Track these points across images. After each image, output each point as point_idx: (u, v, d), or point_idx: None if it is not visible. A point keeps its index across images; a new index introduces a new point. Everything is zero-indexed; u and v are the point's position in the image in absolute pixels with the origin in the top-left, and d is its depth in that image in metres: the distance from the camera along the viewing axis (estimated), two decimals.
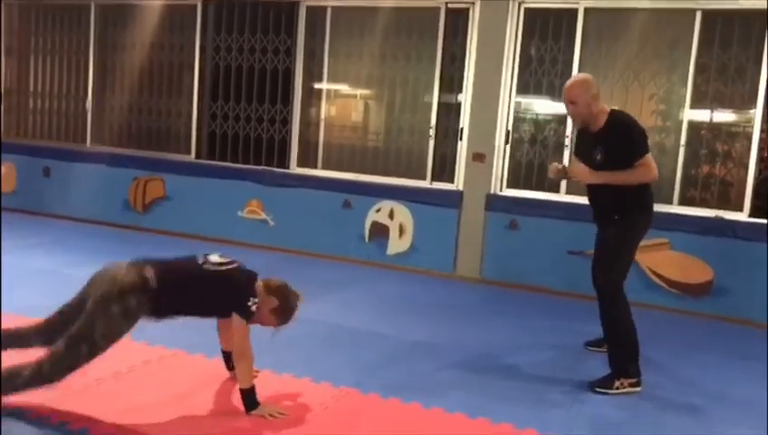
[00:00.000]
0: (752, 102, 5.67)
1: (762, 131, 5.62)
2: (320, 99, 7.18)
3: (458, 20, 6.48)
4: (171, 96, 7.75)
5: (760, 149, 5.64)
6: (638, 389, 3.85)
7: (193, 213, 7.26)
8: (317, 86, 7.18)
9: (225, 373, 3.57)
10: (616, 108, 4.05)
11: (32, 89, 8.53)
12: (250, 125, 7.32)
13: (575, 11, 6.04)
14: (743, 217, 5.66)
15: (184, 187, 7.39)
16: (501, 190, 6.37)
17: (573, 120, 4.13)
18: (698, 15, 5.70)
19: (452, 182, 6.53)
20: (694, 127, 5.90)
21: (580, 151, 4.18)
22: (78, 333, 2.97)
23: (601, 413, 3.58)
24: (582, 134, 4.17)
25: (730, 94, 5.79)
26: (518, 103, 6.39)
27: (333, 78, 7.13)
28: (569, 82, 4.01)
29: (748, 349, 4.87)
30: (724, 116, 5.88)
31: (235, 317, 3.16)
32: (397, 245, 6.65)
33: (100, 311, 2.96)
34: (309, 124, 7.22)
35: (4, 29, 8.43)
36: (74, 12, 8.12)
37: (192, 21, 7.45)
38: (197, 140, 7.57)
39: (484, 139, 6.30)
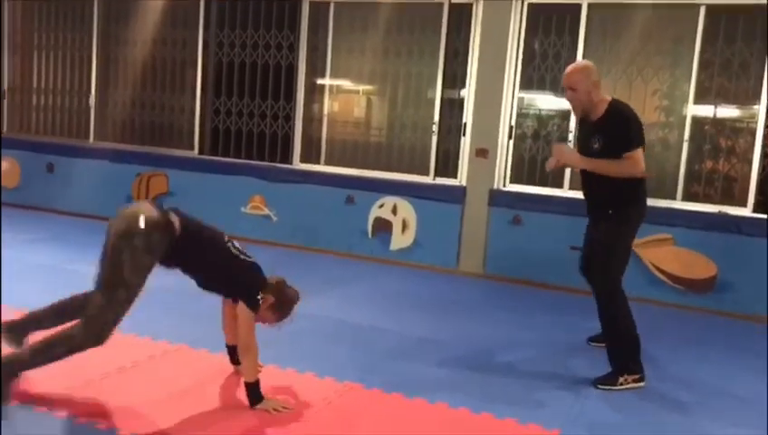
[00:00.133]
0: (756, 98, 5.66)
1: (766, 127, 5.60)
2: (323, 94, 7.18)
3: (461, 15, 6.47)
4: (174, 92, 7.75)
5: (764, 145, 5.63)
6: (642, 384, 3.85)
7: (196, 209, 7.12)
8: (320, 82, 7.18)
9: (229, 368, 3.58)
10: (617, 98, 3.99)
11: (35, 85, 8.53)
12: (253, 121, 7.32)
13: (578, 6, 6.02)
14: (746, 212, 5.65)
15: (187, 182, 7.40)
16: (504, 186, 6.36)
17: (573, 109, 4.06)
18: (702, 11, 5.68)
19: (455, 178, 6.52)
20: (697, 122, 5.88)
21: (580, 141, 4.17)
22: (109, 279, 2.93)
23: (604, 409, 3.58)
24: (583, 124, 4.14)
25: (734, 90, 5.78)
26: (521, 99, 6.38)
27: (336, 74, 7.12)
28: (569, 69, 3.96)
29: (752, 345, 4.86)
30: (728, 111, 5.87)
31: (242, 307, 3.16)
32: (400, 240, 6.65)
33: (124, 246, 2.91)
34: (312, 120, 7.22)
35: (7, 25, 8.44)
36: (77, 8, 8.12)
37: (195, 16, 7.45)
38: (201, 136, 7.57)
39: (487, 134, 6.30)
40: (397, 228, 6.65)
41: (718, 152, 5.90)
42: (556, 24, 6.17)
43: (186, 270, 3.19)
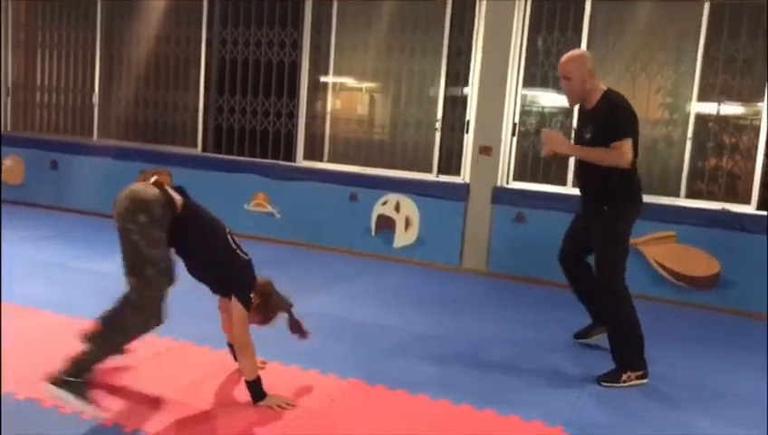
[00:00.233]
0: (760, 95, 5.65)
1: None
2: (326, 92, 7.19)
3: (465, 12, 6.47)
4: (178, 89, 7.76)
5: (767, 142, 5.62)
6: (645, 380, 3.85)
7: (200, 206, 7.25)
8: (323, 79, 7.18)
9: (233, 365, 3.59)
10: (612, 89, 3.95)
11: (39, 83, 8.55)
12: (256, 118, 7.33)
13: (582, 2, 6.02)
14: (750, 209, 5.64)
15: (190, 180, 7.28)
16: (507, 183, 6.36)
17: (568, 98, 4.03)
18: (706, 7, 5.67)
19: (458, 175, 6.52)
20: (701, 119, 5.88)
21: (576, 131, 4.16)
22: (132, 262, 2.94)
23: (607, 407, 3.58)
24: (580, 115, 4.13)
25: (738, 87, 5.77)
26: (524, 96, 6.38)
27: (339, 71, 7.13)
28: (564, 57, 3.93)
29: (755, 342, 4.86)
30: (732, 108, 5.86)
31: (236, 304, 3.15)
32: (403, 238, 6.66)
33: (131, 225, 2.92)
34: (315, 117, 7.22)
35: (11, 23, 8.46)
36: (81, 6, 8.13)
37: (198, 14, 7.46)
38: (204, 134, 7.59)
39: (490, 132, 6.30)
40: (400, 226, 6.66)
41: (722, 149, 5.89)
42: (559, 20, 6.16)
43: (181, 252, 3.14)
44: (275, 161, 7.19)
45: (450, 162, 6.61)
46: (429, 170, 6.65)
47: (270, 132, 7.28)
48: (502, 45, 6.19)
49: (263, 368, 3.34)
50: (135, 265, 2.94)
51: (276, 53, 7.18)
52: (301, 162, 7.14)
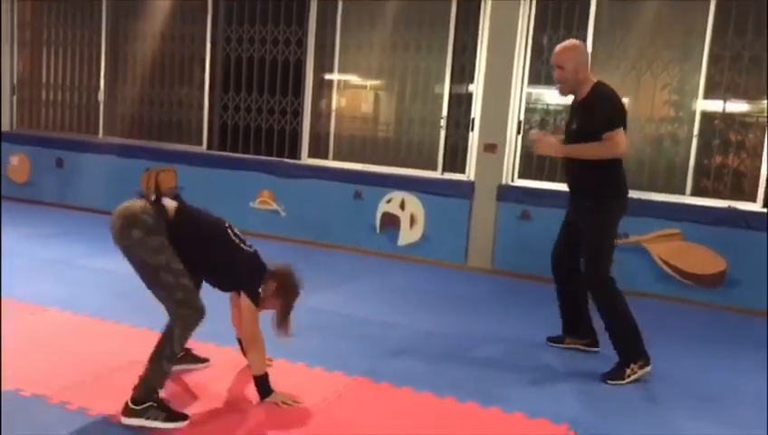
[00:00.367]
0: (766, 92, 5.62)
1: None
2: (331, 90, 7.19)
3: (470, 10, 6.46)
4: (183, 87, 7.77)
5: None
6: (649, 368, 3.83)
7: (204, 204, 7.06)
8: (328, 77, 7.18)
9: (239, 362, 3.59)
10: (602, 81, 3.93)
11: (44, 81, 8.57)
12: (261, 116, 7.34)
13: (588, 0, 6.00)
14: (756, 207, 5.62)
15: (196, 178, 7.42)
16: (512, 181, 6.36)
17: (560, 88, 4.01)
18: (712, 4, 5.65)
19: (463, 173, 6.52)
20: (707, 117, 5.86)
21: (567, 124, 4.14)
22: (148, 277, 2.97)
23: (612, 404, 3.57)
24: (571, 107, 4.12)
25: (744, 84, 5.75)
26: (529, 94, 6.37)
27: (344, 69, 7.13)
28: (558, 47, 3.93)
29: (760, 340, 4.84)
30: (738, 106, 5.84)
31: (245, 300, 3.14)
32: (408, 235, 6.66)
33: (129, 243, 2.95)
34: (320, 115, 7.22)
35: (17, 21, 8.48)
36: (86, 4, 8.14)
37: (203, 12, 7.47)
38: (209, 131, 7.60)
39: (495, 129, 6.29)
40: (405, 223, 6.66)
41: (728, 147, 5.88)
42: (565, 18, 6.14)
43: (182, 255, 3.08)
44: (280, 159, 7.20)
45: (455, 160, 6.61)
46: (434, 168, 6.65)
47: (275, 130, 7.29)
48: (507, 43, 6.18)
49: (270, 365, 3.35)
50: (150, 277, 2.97)
51: (281, 51, 7.19)
52: (306, 160, 7.15)
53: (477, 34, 6.39)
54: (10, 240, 6.15)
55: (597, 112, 3.75)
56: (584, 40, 6.02)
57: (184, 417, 2.95)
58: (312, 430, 3.02)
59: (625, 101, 6.15)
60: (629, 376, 3.80)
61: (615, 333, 3.91)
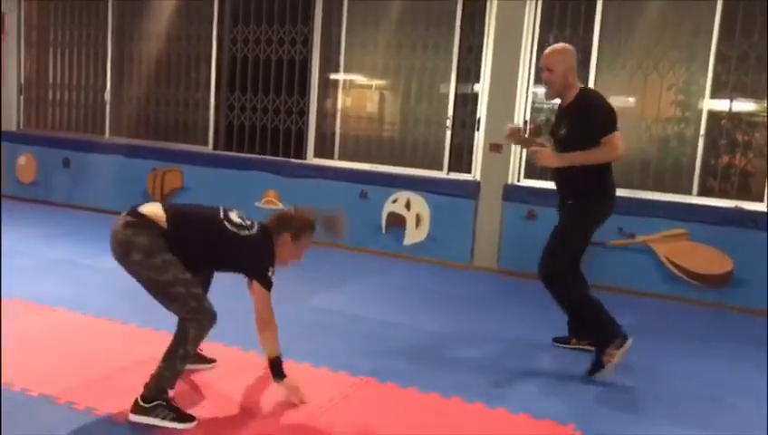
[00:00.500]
0: None
1: None
2: (336, 89, 7.19)
3: (476, 9, 6.46)
4: (189, 87, 7.79)
5: None
6: (628, 343, 3.76)
7: (211, 203, 7.25)
8: (333, 76, 7.19)
9: (245, 362, 3.60)
10: (588, 87, 3.98)
11: (51, 81, 8.60)
12: (267, 116, 7.35)
13: (594, 0, 5.99)
14: (763, 207, 5.60)
15: (202, 178, 7.43)
16: (518, 181, 6.35)
17: (547, 91, 4.01)
18: (719, 3, 5.63)
19: (469, 173, 6.51)
20: (714, 117, 5.84)
21: (553, 128, 4.13)
22: (158, 294, 2.98)
23: (617, 405, 3.57)
24: (557, 112, 4.12)
25: (751, 84, 5.73)
26: (535, 93, 6.36)
27: (350, 68, 7.13)
28: (548, 49, 3.95)
29: (767, 341, 4.83)
30: (745, 106, 5.82)
31: (256, 285, 3.12)
32: (413, 235, 6.66)
33: (132, 266, 2.96)
34: (325, 115, 7.23)
35: (24, 22, 8.51)
36: (92, 4, 8.17)
37: (209, 12, 7.48)
38: (215, 131, 7.61)
39: (501, 129, 6.24)
40: (410, 223, 6.66)
41: (734, 147, 5.86)
42: (571, 17, 6.13)
43: (188, 258, 3.08)
44: (286, 159, 7.21)
45: (461, 160, 6.60)
46: (440, 168, 6.65)
47: (281, 130, 7.30)
48: (513, 42, 6.17)
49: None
50: (161, 293, 2.98)
51: (287, 51, 7.19)
52: (311, 160, 7.16)
53: (483, 34, 6.39)
54: (17, 240, 6.18)
55: (589, 118, 3.74)
56: (590, 40, 6.02)
57: (192, 418, 2.95)
58: (319, 431, 3.02)
59: (631, 100, 6.17)
60: (609, 361, 3.74)
61: (588, 322, 3.88)
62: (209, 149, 7.60)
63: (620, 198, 5.78)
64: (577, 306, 3.92)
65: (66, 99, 8.56)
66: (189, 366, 3.46)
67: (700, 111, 5.83)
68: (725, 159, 5.87)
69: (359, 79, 7.25)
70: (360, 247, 6.77)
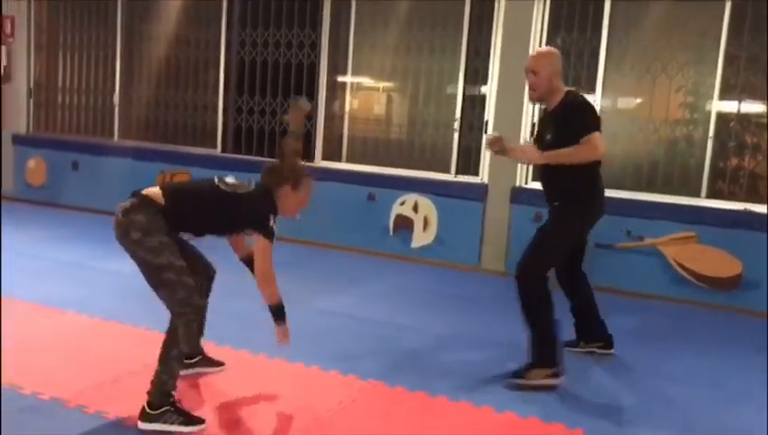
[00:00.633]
0: None
1: None
2: (344, 92, 7.20)
3: (483, 11, 6.46)
4: (197, 90, 7.82)
5: None
6: (557, 381, 3.69)
7: None
8: (341, 79, 7.20)
9: (252, 364, 3.60)
10: (573, 89, 3.88)
11: (60, 84, 8.65)
12: (276, 119, 7.36)
13: (602, 1, 5.98)
14: None
15: None
16: (526, 183, 6.34)
17: (531, 94, 3.95)
18: (728, 4, 5.62)
19: (476, 175, 6.51)
20: (722, 119, 5.82)
21: (538, 133, 4.07)
22: (150, 277, 2.99)
23: (627, 409, 3.56)
24: (542, 117, 4.08)
25: (760, 85, 5.70)
26: None
27: (358, 71, 7.14)
28: (534, 53, 3.92)
29: None
30: (754, 107, 5.80)
31: (257, 237, 3.08)
32: (421, 238, 6.66)
33: (130, 245, 2.98)
34: (333, 118, 7.24)
35: (33, 25, 8.56)
36: (102, 7, 8.21)
37: (218, 15, 7.51)
38: (223, 134, 7.64)
39: (509, 131, 6.26)
40: (418, 226, 6.66)
41: (743, 149, 5.83)
42: (579, 20, 6.13)
43: (192, 228, 3.14)
44: None
45: (468, 162, 6.60)
46: (448, 170, 6.65)
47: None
48: (521, 44, 6.16)
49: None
50: (153, 276, 2.99)
51: (295, 54, 7.21)
52: (319, 162, 7.17)
53: (491, 36, 6.39)
54: (26, 242, 6.22)
55: (572, 120, 3.68)
56: (599, 41, 6.01)
57: (200, 420, 2.97)
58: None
59: (639, 102, 6.16)
60: (534, 378, 3.67)
61: (533, 333, 3.79)
62: (217, 151, 7.62)
63: (629, 200, 5.88)
64: (533, 318, 3.78)
65: (75, 102, 8.61)
66: (198, 370, 3.48)
67: (709, 113, 5.81)
68: (734, 161, 5.84)
69: (366, 81, 7.26)
70: (367, 250, 6.77)
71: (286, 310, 3.18)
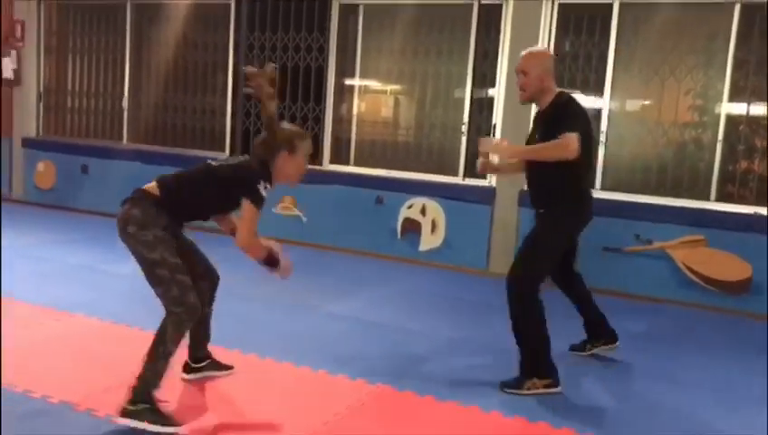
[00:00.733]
0: None
1: None
2: (352, 95, 7.21)
3: (491, 14, 6.45)
4: (206, 94, 7.85)
5: None
6: (555, 390, 3.65)
7: None
8: (349, 82, 7.21)
9: (258, 368, 3.60)
10: (566, 91, 3.82)
11: (70, 88, 8.70)
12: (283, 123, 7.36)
13: (610, 6, 5.97)
14: None
15: None
16: None
17: (521, 94, 3.85)
18: (737, 8, 5.60)
19: (485, 178, 6.50)
20: (731, 122, 5.80)
21: (530, 134, 3.99)
22: (146, 271, 3.00)
23: (636, 414, 3.54)
24: (534, 118, 4.02)
25: None
26: None
27: (366, 74, 7.15)
28: (524, 53, 3.82)
29: None
30: (763, 110, 5.77)
31: (244, 201, 3.04)
32: (429, 241, 6.66)
33: (128, 240, 3.02)
34: (341, 121, 7.25)
35: (43, 29, 8.61)
36: (111, 11, 8.25)
37: (226, 19, 7.53)
38: (232, 138, 7.66)
39: (517, 135, 6.24)
40: (426, 229, 6.66)
41: (753, 152, 5.81)
42: (587, 23, 6.12)
43: (193, 214, 3.16)
44: None
45: (476, 165, 6.57)
46: (455, 174, 6.64)
47: None
48: (529, 48, 6.14)
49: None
50: (148, 272, 3.01)
51: (303, 58, 7.23)
52: (327, 166, 7.18)
53: (499, 39, 6.39)
54: (35, 245, 6.25)
55: (559, 120, 3.59)
56: (607, 45, 6.00)
57: (177, 423, 2.93)
58: None
59: (647, 105, 6.14)
60: (529, 389, 3.62)
61: (525, 344, 3.74)
62: (226, 155, 7.63)
63: (638, 203, 5.86)
64: (524, 330, 3.74)
65: (84, 105, 8.65)
66: (206, 373, 3.48)
67: (718, 116, 5.79)
68: (744, 164, 5.82)
69: (374, 84, 7.27)
70: (375, 253, 6.78)
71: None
